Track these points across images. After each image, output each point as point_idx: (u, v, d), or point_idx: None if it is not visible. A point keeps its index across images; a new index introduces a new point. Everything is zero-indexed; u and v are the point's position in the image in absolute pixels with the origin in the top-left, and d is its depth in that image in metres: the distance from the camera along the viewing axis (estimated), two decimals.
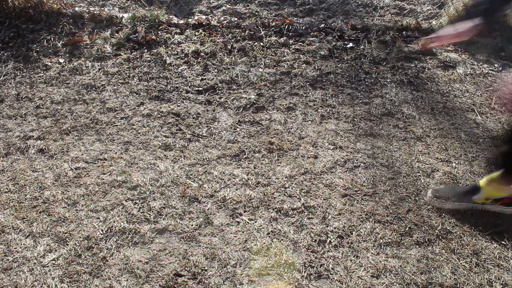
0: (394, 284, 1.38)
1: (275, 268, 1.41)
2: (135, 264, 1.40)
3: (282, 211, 1.63)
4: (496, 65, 2.81)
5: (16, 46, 2.69)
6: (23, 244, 1.47)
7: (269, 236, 1.52)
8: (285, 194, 1.72)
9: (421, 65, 2.77)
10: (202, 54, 2.72)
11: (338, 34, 3.06)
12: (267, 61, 2.70)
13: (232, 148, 1.96)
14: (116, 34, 2.87)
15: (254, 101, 2.30)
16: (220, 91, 2.39)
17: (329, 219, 1.61)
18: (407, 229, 1.58)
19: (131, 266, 1.39)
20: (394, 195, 1.74)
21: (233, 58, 2.70)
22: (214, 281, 1.36)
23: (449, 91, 2.52)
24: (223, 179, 1.77)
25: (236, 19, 3.21)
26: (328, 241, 1.51)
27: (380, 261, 1.45)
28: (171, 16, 3.15)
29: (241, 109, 2.24)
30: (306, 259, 1.44)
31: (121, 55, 2.67)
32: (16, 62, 2.56)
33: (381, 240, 1.53)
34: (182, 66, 2.61)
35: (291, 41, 2.93)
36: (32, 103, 2.25)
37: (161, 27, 2.98)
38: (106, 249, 1.45)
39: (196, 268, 1.39)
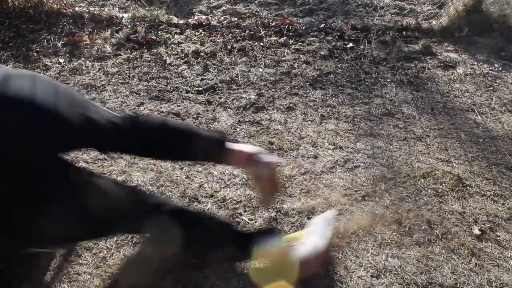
0: (394, 284, 1.38)
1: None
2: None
3: (282, 211, 1.63)
4: (496, 65, 2.81)
5: (16, 46, 2.69)
6: None
7: None
8: (285, 194, 1.72)
9: (421, 65, 2.77)
10: (202, 54, 2.72)
11: (338, 34, 3.06)
12: (267, 61, 2.70)
13: None
14: (116, 34, 2.87)
15: (254, 101, 2.30)
16: (220, 91, 2.39)
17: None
18: (407, 229, 1.58)
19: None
20: (394, 195, 1.74)
21: (233, 58, 2.70)
22: None
23: (449, 91, 2.52)
24: (223, 179, 1.77)
25: (236, 19, 3.21)
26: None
27: (380, 261, 1.45)
28: (171, 16, 3.15)
29: (241, 109, 2.24)
30: None
31: (121, 55, 2.67)
32: (16, 62, 2.55)
33: (381, 240, 1.53)
34: (182, 66, 2.61)
35: (291, 41, 2.93)
36: None
37: (161, 27, 2.98)
38: (106, 249, 1.45)
39: None
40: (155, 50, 2.73)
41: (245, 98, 2.33)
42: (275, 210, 1.63)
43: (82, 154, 1.89)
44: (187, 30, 2.96)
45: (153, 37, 2.84)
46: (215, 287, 1.33)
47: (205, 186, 1.74)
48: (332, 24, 3.21)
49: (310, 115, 2.23)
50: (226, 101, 2.30)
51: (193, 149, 1.15)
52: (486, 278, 1.41)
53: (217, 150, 1.17)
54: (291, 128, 2.12)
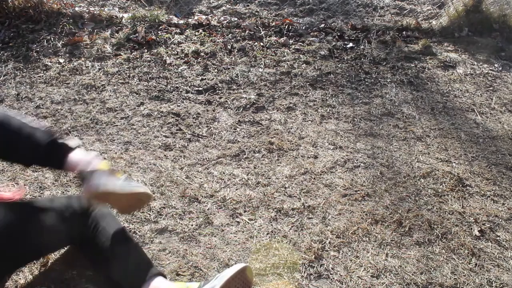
0: (394, 284, 1.38)
1: (275, 268, 1.41)
2: None
3: (282, 211, 1.63)
4: (496, 65, 2.81)
5: (16, 46, 2.69)
6: None
7: (269, 236, 1.52)
8: (285, 194, 1.72)
9: (421, 65, 2.77)
10: (202, 54, 2.72)
11: (338, 34, 3.06)
12: (267, 61, 2.70)
13: (232, 148, 1.96)
14: (116, 34, 2.87)
15: (254, 101, 2.30)
16: (220, 91, 2.39)
17: (329, 219, 1.61)
18: (407, 229, 1.58)
19: None
20: (394, 195, 1.74)
21: (233, 58, 2.70)
22: None
23: (449, 91, 2.52)
24: (223, 179, 1.77)
25: (236, 19, 3.21)
26: (328, 241, 1.51)
27: (380, 261, 1.45)
28: (171, 16, 3.15)
29: (241, 109, 2.24)
30: (306, 259, 1.44)
31: (121, 55, 2.67)
32: (16, 62, 2.55)
33: (381, 240, 1.53)
34: (182, 66, 2.61)
35: (291, 41, 2.93)
36: (32, 103, 2.25)
37: (161, 27, 2.98)
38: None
39: (196, 268, 1.39)
40: (155, 50, 2.73)
41: (245, 98, 2.33)
42: (275, 210, 1.63)
43: None
44: (187, 30, 2.96)
45: (153, 37, 2.84)
46: None
47: (205, 186, 1.74)
48: (332, 24, 3.21)
49: (310, 115, 2.23)
50: (226, 101, 2.31)
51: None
52: (486, 278, 1.41)
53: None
54: (291, 128, 2.12)
